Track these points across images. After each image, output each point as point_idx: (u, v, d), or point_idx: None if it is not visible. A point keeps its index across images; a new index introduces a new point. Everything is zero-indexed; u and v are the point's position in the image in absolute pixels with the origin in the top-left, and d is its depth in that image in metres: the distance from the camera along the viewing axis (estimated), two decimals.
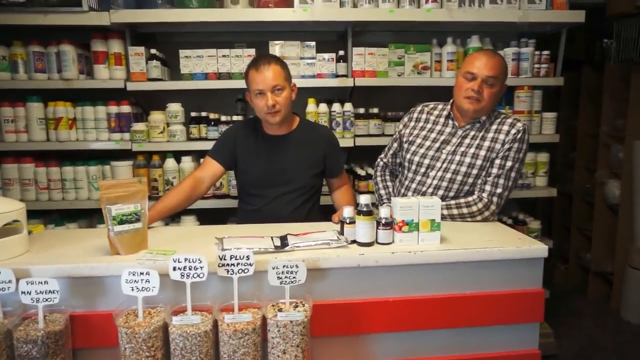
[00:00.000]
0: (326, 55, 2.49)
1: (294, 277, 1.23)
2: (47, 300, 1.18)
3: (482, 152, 1.76)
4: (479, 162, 1.75)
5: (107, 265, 1.28)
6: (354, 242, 1.42)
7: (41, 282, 1.18)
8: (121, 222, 1.33)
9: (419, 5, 2.44)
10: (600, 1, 3.00)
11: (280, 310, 1.22)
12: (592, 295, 3.54)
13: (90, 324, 1.27)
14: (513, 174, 1.75)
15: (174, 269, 1.20)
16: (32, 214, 2.49)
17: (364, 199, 1.40)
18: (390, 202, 1.89)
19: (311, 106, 2.53)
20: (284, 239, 1.43)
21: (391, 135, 2.19)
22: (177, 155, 2.54)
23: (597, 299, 3.50)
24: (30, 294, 1.18)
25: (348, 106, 2.55)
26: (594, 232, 3.54)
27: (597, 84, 3.50)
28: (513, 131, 1.74)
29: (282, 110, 1.79)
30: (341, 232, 1.45)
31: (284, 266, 1.22)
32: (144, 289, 1.19)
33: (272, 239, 1.42)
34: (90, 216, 2.64)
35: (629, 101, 3.13)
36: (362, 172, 2.63)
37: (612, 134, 3.37)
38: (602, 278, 3.49)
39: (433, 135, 1.86)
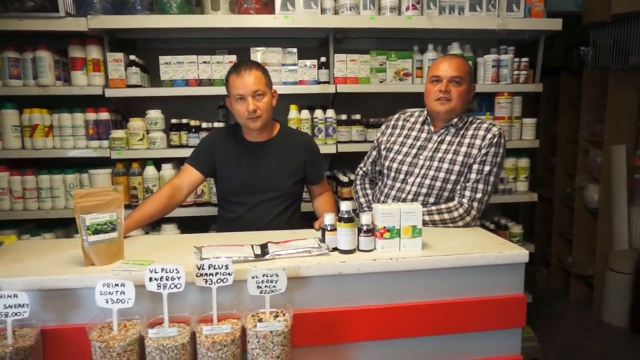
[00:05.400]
0: (308, 62, 2.49)
1: (274, 286, 1.21)
2: (16, 314, 1.13)
3: (460, 158, 1.77)
4: (456, 167, 1.76)
5: (80, 276, 1.24)
6: (335, 249, 1.40)
7: (10, 296, 1.13)
8: (96, 232, 1.29)
9: (399, 12, 2.47)
10: (577, 10, 3.07)
11: (260, 320, 1.19)
12: (574, 298, 3.59)
13: (62, 338, 1.22)
14: (492, 179, 1.77)
15: (150, 279, 1.17)
16: (6, 224, 2.42)
17: (345, 206, 1.38)
18: (369, 210, 1.89)
19: (293, 112, 2.52)
20: (264, 247, 1.41)
21: (373, 142, 2.19)
22: (157, 162, 2.50)
23: (579, 302, 3.54)
24: None
25: (330, 112, 2.55)
26: (575, 236, 3.59)
27: (575, 90, 3.57)
28: (489, 136, 1.76)
29: (263, 115, 1.78)
30: (322, 240, 1.44)
31: (263, 275, 1.20)
32: (119, 300, 1.16)
33: (252, 247, 1.40)
34: (68, 226, 2.57)
35: (606, 107, 3.20)
36: (344, 179, 2.62)
37: (591, 139, 3.44)
38: (584, 281, 3.54)
39: (410, 141, 1.88)
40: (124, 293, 1.16)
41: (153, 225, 2.50)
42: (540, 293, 3.66)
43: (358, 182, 2.06)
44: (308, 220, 2.03)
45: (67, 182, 2.44)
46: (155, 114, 2.45)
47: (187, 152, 2.38)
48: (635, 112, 3.19)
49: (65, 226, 2.57)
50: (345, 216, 1.38)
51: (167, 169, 2.48)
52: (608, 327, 3.13)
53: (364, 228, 1.39)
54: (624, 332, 3.06)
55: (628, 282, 3.06)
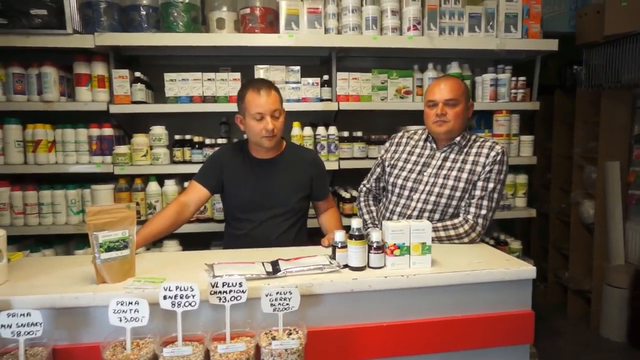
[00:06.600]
0: (311, 80, 2.52)
1: (287, 304, 1.21)
2: (29, 333, 1.13)
3: (464, 175, 1.80)
4: (461, 184, 1.79)
5: (93, 294, 1.23)
6: (346, 266, 1.41)
7: (23, 315, 1.13)
8: (108, 250, 1.29)
9: (401, 32, 2.52)
10: (571, 31, 3.16)
11: (274, 338, 1.19)
12: (571, 313, 3.61)
13: (74, 357, 1.21)
14: (495, 195, 1.80)
15: (165, 297, 1.17)
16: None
17: (355, 223, 1.40)
18: (374, 227, 1.91)
19: (296, 129, 2.54)
20: (275, 265, 1.41)
21: (375, 158, 2.22)
22: (160, 178, 2.50)
23: (576, 317, 3.56)
24: (10, 327, 1.12)
25: (332, 129, 2.58)
26: (571, 251, 3.63)
27: (569, 107, 3.65)
28: (493, 154, 1.80)
29: (278, 134, 1.83)
30: (333, 257, 1.45)
31: (277, 293, 1.20)
32: (132, 319, 1.15)
33: (263, 265, 1.41)
34: (67, 242, 2.55)
35: (599, 124, 3.27)
36: (346, 195, 2.64)
37: (585, 155, 3.50)
38: (581, 296, 3.57)
39: (413, 158, 1.91)
40: (137, 311, 1.16)
41: (154, 241, 2.48)
42: (539, 308, 3.65)
43: (362, 199, 2.08)
44: (311, 237, 2.04)
45: (69, 198, 2.43)
46: (159, 130, 2.47)
47: (190, 168, 2.41)
48: (627, 129, 3.26)
49: (64, 242, 2.55)
50: (356, 233, 1.39)
51: (170, 185, 2.48)
52: (606, 342, 3.15)
53: (374, 245, 1.40)
54: (622, 347, 3.07)
55: (625, 297, 3.09)
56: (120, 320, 1.15)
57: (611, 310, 3.17)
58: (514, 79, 2.71)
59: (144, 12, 2.30)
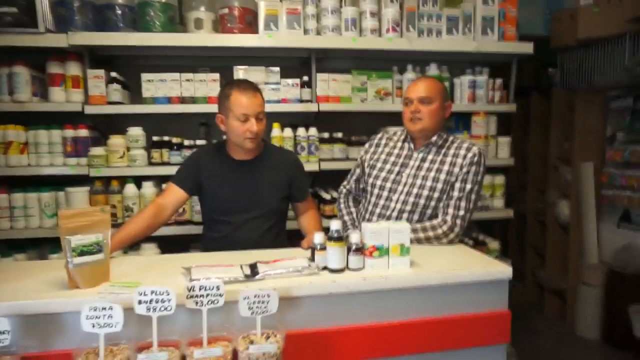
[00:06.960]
0: (290, 81, 2.52)
1: (265, 307, 1.20)
2: None
3: (442, 176, 1.82)
4: (439, 185, 1.81)
5: (65, 300, 1.20)
6: (325, 268, 1.41)
7: None
8: (81, 254, 1.26)
9: (380, 34, 2.54)
10: (546, 34, 3.23)
11: (251, 342, 1.18)
12: (548, 312, 3.68)
13: None
14: (473, 196, 1.82)
15: (140, 302, 1.14)
16: None
17: (334, 225, 1.39)
18: (354, 228, 1.92)
19: (276, 131, 2.53)
20: (253, 267, 1.40)
21: (355, 159, 2.23)
22: (138, 180, 2.45)
23: (553, 315, 3.63)
24: None
25: (312, 131, 2.57)
26: (547, 251, 3.70)
27: (545, 109, 3.72)
28: (470, 155, 1.82)
29: (260, 136, 1.83)
30: (312, 259, 1.44)
31: (255, 296, 1.19)
32: (106, 325, 1.12)
33: (241, 268, 1.39)
34: (41, 246, 2.48)
35: (574, 125, 3.35)
36: (327, 196, 2.64)
37: (560, 156, 3.58)
38: (557, 295, 3.64)
39: (392, 158, 1.93)
40: (111, 317, 1.13)
41: (132, 245, 2.44)
42: (516, 307, 3.71)
43: (342, 200, 2.08)
44: (290, 239, 2.03)
45: (43, 201, 2.37)
46: (136, 131, 2.42)
47: (168, 170, 2.37)
48: (601, 130, 3.35)
49: (38, 247, 2.48)
50: (335, 235, 1.39)
51: (148, 187, 2.44)
52: (581, 340, 3.22)
53: (354, 247, 1.40)
54: (596, 344, 3.14)
55: (599, 296, 3.16)
56: (93, 326, 1.12)
57: (586, 309, 3.24)
58: (491, 80, 2.75)
59: (119, 11, 2.26)
